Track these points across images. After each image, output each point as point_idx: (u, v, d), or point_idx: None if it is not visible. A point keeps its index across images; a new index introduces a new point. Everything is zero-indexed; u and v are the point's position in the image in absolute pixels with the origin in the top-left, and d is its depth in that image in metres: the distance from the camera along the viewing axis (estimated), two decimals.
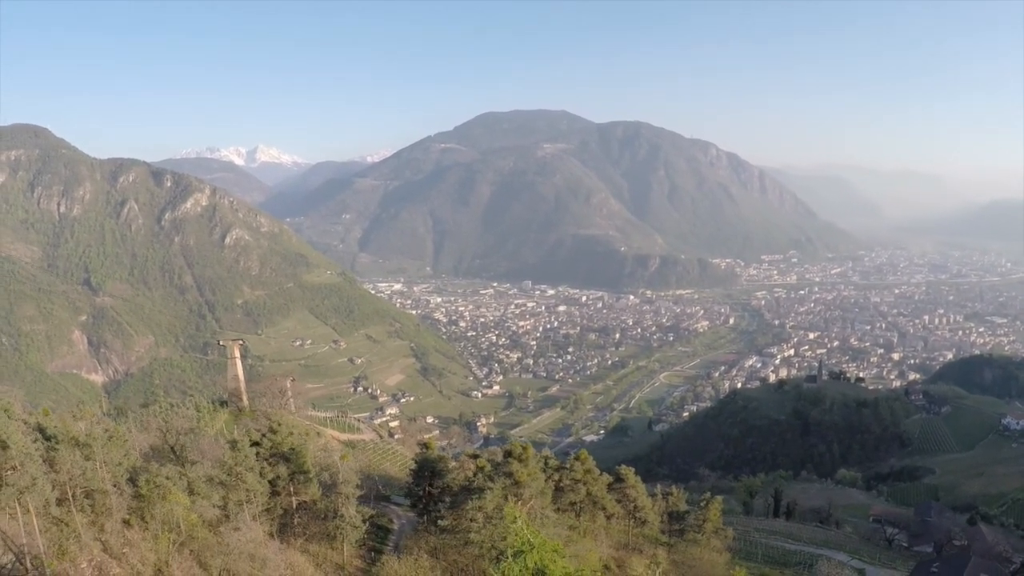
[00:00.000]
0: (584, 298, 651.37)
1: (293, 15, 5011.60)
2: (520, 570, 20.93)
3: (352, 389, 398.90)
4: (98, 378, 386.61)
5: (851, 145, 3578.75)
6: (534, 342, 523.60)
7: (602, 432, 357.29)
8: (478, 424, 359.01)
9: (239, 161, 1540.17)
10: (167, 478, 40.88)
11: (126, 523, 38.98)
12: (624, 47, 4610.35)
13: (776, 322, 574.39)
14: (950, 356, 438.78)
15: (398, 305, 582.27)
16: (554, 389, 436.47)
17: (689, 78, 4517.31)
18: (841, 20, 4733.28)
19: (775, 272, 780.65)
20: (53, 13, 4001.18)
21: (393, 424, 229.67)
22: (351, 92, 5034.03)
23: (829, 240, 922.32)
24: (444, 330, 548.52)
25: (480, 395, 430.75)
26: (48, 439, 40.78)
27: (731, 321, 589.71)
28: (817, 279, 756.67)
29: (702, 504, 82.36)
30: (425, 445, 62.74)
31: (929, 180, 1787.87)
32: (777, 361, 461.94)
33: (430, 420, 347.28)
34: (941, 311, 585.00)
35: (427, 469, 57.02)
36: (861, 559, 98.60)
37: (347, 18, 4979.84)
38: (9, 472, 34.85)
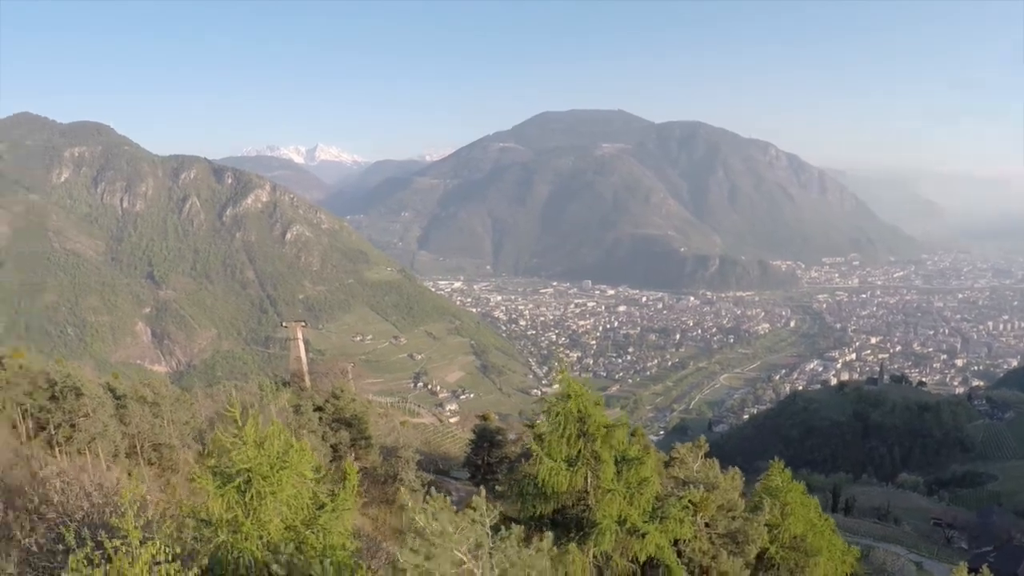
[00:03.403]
0: (644, 298, 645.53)
1: (352, 16, 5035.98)
2: (565, 412, 21.38)
3: (412, 385, 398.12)
4: (161, 368, 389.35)
5: (914, 147, 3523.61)
6: (594, 342, 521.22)
7: (662, 432, 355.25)
8: (538, 422, 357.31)
9: (299, 159, 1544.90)
10: (232, 436, 41.45)
11: (191, 479, 39.49)
12: (682, 46, 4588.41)
13: (838, 326, 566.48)
14: (1015, 363, 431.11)
15: (458, 303, 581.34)
16: (614, 389, 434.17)
17: (748, 77, 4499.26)
18: (906, 21, 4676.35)
19: (836, 275, 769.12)
20: (115, 14, 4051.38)
21: (452, 420, 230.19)
22: (410, 91, 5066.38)
23: (891, 243, 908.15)
24: (504, 328, 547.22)
25: (540, 393, 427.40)
26: (118, 398, 41.50)
27: (792, 324, 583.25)
28: (879, 282, 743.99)
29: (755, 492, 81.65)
30: (484, 417, 63.00)
31: (993, 184, 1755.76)
32: (839, 365, 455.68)
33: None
34: (1006, 317, 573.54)
35: (486, 439, 57.28)
36: (919, 553, 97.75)
37: (406, 19, 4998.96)
38: (82, 419, 35.59)
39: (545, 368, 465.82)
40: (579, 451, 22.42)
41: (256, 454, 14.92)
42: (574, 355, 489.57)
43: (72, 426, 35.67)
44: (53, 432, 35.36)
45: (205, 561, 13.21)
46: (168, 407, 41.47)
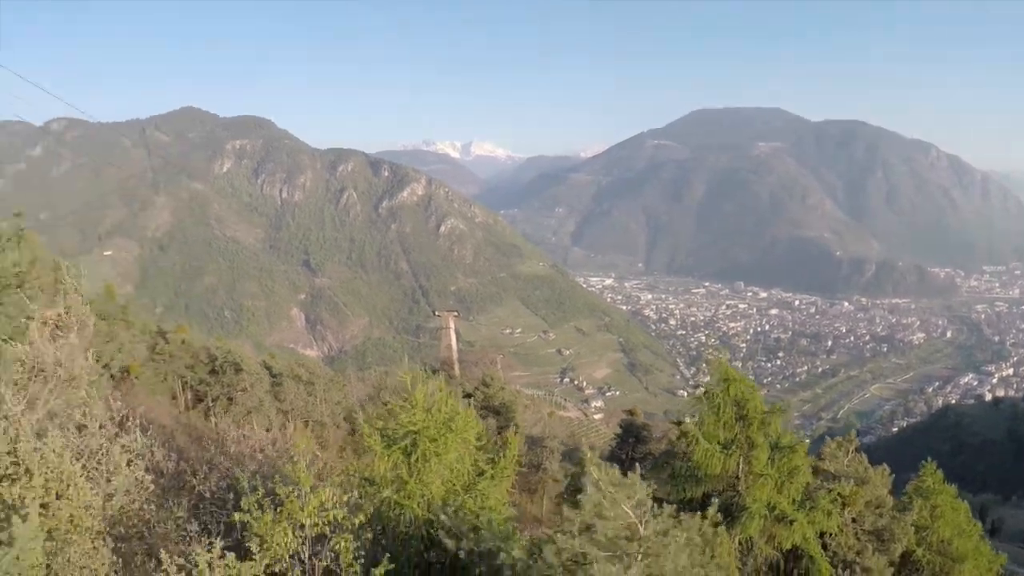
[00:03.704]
0: (797, 302, 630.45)
1: (505, 13, 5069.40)
2: (723, 395, 21.69)
3: (559, 380, 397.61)
4: (314, 353, 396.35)
5: None
6: (744, 344, 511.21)
7: (807, 440, 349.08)
8: (684, 422, 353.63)
9: (454, 154, 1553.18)
10: (381, 418, 42.32)
11: (340, 456, 40.42)
12: (841, 44, 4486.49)
13: (996, 338, 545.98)
14: None
15: (608, 300, 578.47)
16: (762, 393, 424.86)
17: (910, 76, 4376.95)
18: None
19: (997, 284, 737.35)
20: (277, 13, 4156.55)
21: (597, 417, 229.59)
22: (564, 88, 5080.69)
23: None
24: (653, 327, 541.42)
25: (686, 394, 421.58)
26: (274, 375, 42.68)
27: (948, 334, 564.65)
28: None
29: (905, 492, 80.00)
30: (631, 412, 62.98)
31: None
32: (995, 380, 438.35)
33: None
34: None
35: (631, 435, 57.28)
36: None
37: (559, 17, 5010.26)
38: (240, 392, 36.80)
39: (693, 369, 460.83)
40: (735, 435, 22.63)
41: (424, 417, 15.54)
42: (723, 357, 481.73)
43: (230, 399, 37.00)
44: (211, 404, 36.67)
45: (370, 511, 13.80)
46: (322, 386, 42.66)
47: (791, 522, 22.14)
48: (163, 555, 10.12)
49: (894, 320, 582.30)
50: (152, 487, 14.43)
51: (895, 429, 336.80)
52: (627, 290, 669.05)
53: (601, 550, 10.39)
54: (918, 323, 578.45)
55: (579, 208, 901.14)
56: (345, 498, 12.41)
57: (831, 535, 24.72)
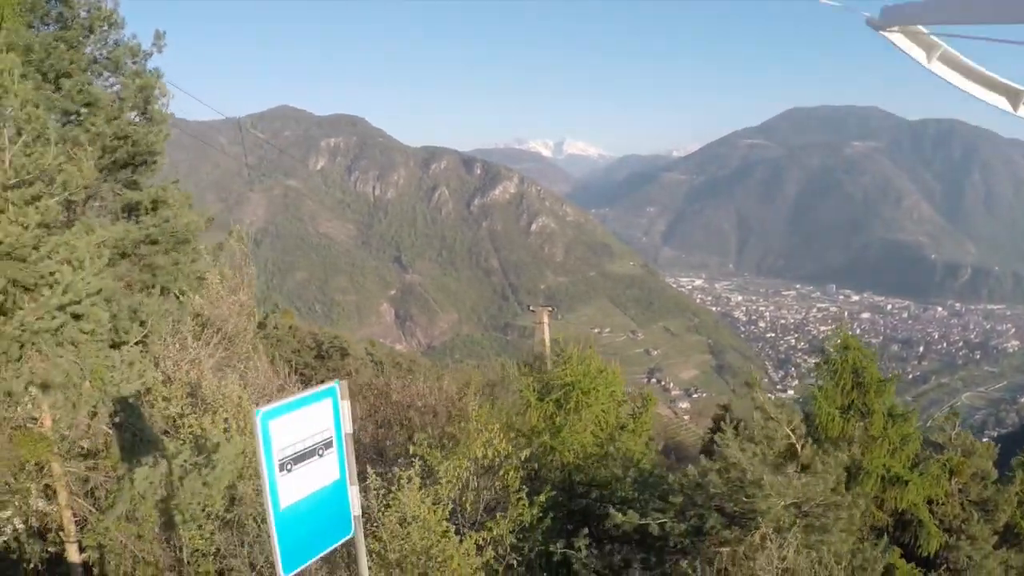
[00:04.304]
0: (889, 306, 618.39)
1: (600, 13, 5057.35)
2: (843, 362, 22.49)
3: (646, 380, 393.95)
4: (403, 348, 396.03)
5: None
6: (834, 349, 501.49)
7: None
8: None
9: (546, 153, 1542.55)
10: (480, 406, 43.24)
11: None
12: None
13: None
14: None
15: (698, 300, 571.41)
16: None
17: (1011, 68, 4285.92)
18: None
19: None
20: (372, 12, 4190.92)
21: (686, 417, 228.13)
22: (659, 87, 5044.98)
23: None
24: (742, 329, 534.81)
25: (774, 398, 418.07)
26: (375, 362, 43.73)
27: None
28: None
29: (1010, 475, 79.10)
30: (725, 407, 63.24)
31: None
32: None
33: None
34: None
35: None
36: None
37: (651, 18, 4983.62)
38: (346, 376, 37.78)
39: (781, 372, 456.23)
40: (852, 401, 23.27)
41: (579, 370, 16.31)
42: (812, 361, 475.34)
43: None
44: None
45: (527, 452, 14.64)
46: (422, 372, 43.62)
47: (906, 483, 22.86)
48: (368, 470, 11.14)
49: (988, 327, 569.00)
50: None
51: (985, 439, 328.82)
52: (717, 291, 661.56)
53: (762, 469, 11.21)
54: (1013, 330, 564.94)
55: (671, 207, 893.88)
56: (512, 435, 13.37)
57: (938, 503, 25.32)
